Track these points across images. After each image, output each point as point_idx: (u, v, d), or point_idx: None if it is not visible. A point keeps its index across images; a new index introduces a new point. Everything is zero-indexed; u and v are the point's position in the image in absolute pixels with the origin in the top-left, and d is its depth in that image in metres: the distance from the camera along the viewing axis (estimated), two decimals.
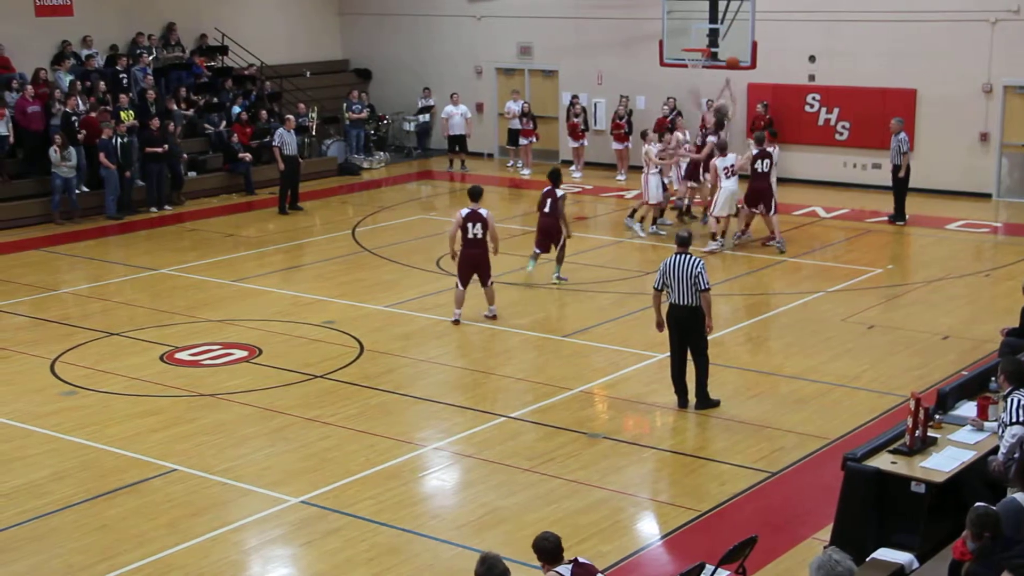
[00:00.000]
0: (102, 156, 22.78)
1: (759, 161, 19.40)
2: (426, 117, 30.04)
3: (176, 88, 26.20)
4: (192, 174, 25.08)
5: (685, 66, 22.65)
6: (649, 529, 10.43)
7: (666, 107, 25.38)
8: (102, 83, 24.86)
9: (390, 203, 24.66)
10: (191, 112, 26.10)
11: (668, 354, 12.90)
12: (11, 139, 23.04)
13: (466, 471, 11.59)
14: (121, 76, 25.62)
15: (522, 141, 27.76)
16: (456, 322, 15.72)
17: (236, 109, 26.68)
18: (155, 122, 23.76)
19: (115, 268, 19.51)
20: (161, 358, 14.75)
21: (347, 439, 12.12)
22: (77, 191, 22.85)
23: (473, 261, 15.59)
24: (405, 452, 11.88)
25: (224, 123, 26.31)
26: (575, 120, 27.08)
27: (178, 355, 14.88)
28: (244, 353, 14.90)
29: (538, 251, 17.71)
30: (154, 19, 27.57)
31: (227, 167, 25.72)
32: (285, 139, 23.35)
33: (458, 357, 15.04)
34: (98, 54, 26.13)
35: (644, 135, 21.28)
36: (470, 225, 15.48)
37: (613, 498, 10.77)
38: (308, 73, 30.47)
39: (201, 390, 13.63)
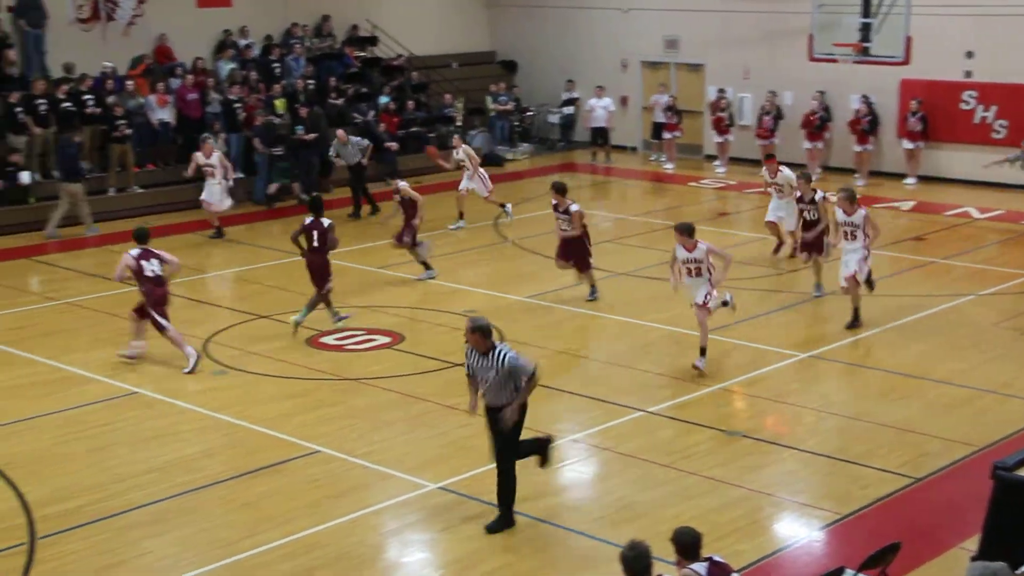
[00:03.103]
0: (255, 142, 23.44)
1: (807, 210, 16.73)
2: (570, 109, 30.07)
3: (327, 78, 26.75)
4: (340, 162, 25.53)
5: (835, 61, 22.23)
6: (788, 530, 10.29)
7: (815, 102, 24.92)
8: (255, 73, 25.55)
9: (533, 194, 24.75)
10: (341, 101, 26.61)
11: (806, 355, 12.66)
12: (173, 124, 23.87)
13: (603, 464, 11.60)
14: (275, 66, 26.30)
15: (666, 135, 27.58)
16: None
17: (384, 99, 27.11)
18: (304, 110, 24.32)
19: (265, 252, 20.01)
20: (307, 342, 15.10)
21: (484, 428, 12.21)
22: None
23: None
24: None
25: (372, 113, 26.75)
26: (720, 115, 26.80)
27: (323, 339, 15.22)
28: (387, 339, 15.17)
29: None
30: (309, 10, 28.19)
31: (373, 156, 26.13)
32: (339, 151, 22.81)
33: (596, 350, 15.04)
34: (254, 44, 26.86)
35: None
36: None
37: (751, 497, 10.66)
38: (455, 64, 30.78)
39: (345, 374, 13.92)
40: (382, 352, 14.71)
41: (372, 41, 29.02)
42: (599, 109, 27.97)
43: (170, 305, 14.50)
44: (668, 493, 10.72)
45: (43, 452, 11.80)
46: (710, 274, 13.57)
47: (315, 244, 15.21)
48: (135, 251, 14.35)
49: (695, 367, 13.59)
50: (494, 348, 9.91)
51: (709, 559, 7.21)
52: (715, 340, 14.17)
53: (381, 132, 26.03)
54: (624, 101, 29.27)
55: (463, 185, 21.85)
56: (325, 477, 11.16)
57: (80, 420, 12.63)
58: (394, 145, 25.97)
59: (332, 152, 23.15)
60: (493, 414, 10.04)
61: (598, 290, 16.76)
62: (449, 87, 29.13)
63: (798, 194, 16.83)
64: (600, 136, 28.18)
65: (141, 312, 14.35)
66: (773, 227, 18.83)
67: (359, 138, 23.18)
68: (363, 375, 13.86)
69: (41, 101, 22.31)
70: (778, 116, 25.89)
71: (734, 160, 26.99)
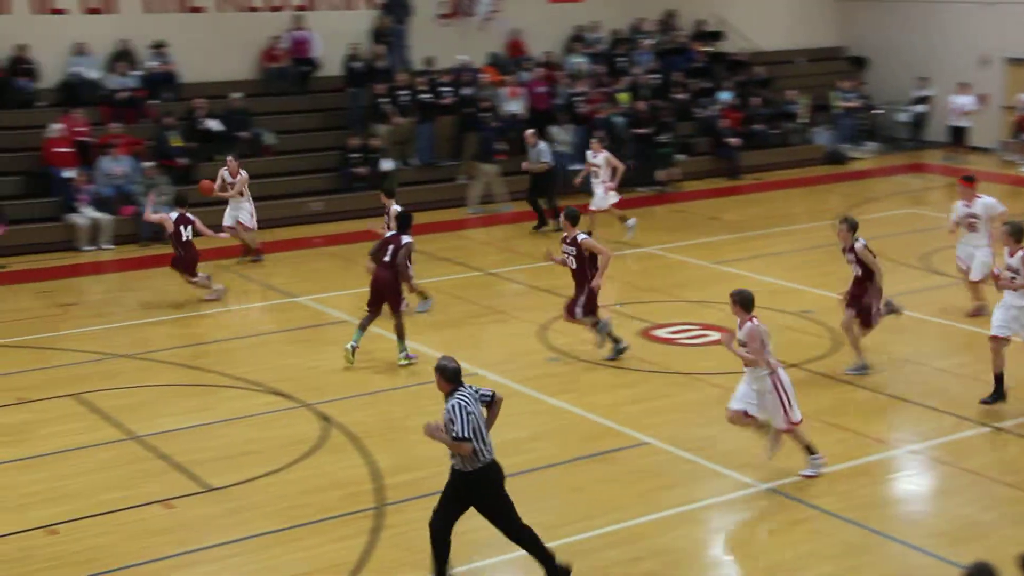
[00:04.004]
0: (596, 135, 23.84)
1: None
2: (922, 107, 28.78)
3: (671, 72, 26.87)
4: (682, 157, 25.60)
5: None
6: None
7: None
8: (600, 66, 26.03)
9: (877, 195, 23.93)
10: (685, 96, 26.65)
11: None
12: (524, 116, 24.70)
13: (942, 478, 11.10)
14: (620, 60, 26.68)
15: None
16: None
17: (726, 95, 26.94)
18: (641, 104, 24.55)
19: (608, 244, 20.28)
20: (640, 333, 15.26)
21: (817, 431, 11.95)
22: (570, 168, 24.05)
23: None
24: (877, 451, 11.56)
25: (714, 107, 26.64)
26: None
27: (656, 332, 15.33)
28: (720, 335, 15.08)
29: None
30: (656, 5, 28.42)
31: (715, 151, 26.08)
32: (529, 154, 21.70)
33: (939, 358, 14.38)
34: (602, 38, 27.36)
35: None
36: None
37: None
38: (801, 60, 30.15)
39: (676, 368, 13.97)
40: (714, 348, 14.64)
41: (718, 36, 28.87)
42: (961, 107, 26.66)
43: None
44: (1016, 514, 10.12)
45: (392, 424, 12.54)
46: None
47: (386, 259, 14.21)
48: (174, 214, 16.69)
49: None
50: (452, 393, 8.64)
51: None
52: None
53: (722, 127, 25.89)
54: (984, 99, 27.69)
55: (597, 201, 20.20)
56: (653, 468, 11.26)
57: (425, 396, 13.29)
58: (736, 141, 25.77)
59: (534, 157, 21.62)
60: (455, 477, 8.73)
61: (624, 341, 14.28)
62: (794, 83, 28.56)
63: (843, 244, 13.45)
64: (959, 135, 26.84)
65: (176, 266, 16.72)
66: None
67: (546, 144, 21.96)
68: (694, 369, 13.87)
69: (403, 92, 23.67)
70: None
71: None
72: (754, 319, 10.59)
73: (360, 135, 23.14)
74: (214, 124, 22.62)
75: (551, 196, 21.48)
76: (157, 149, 21.79)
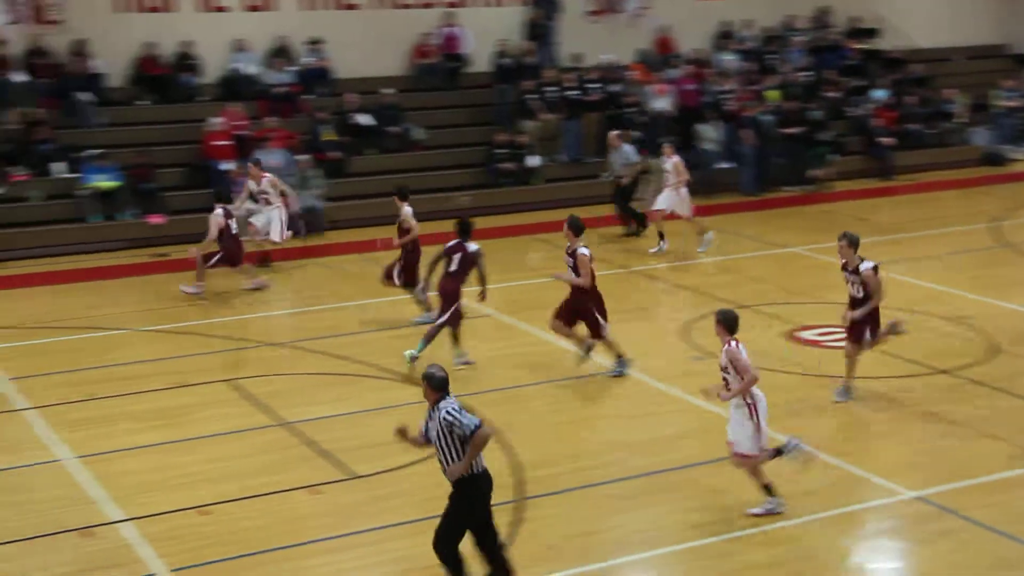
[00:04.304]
0: (744, 133, 23.60)
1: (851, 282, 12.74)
2: None
3: (824, 70, 26.38)
4: (835, 156, 25.08)
5: None
6: None
7: None
8: (750, 63, 25.71)
9: None
10: (837, 94, 26.13)
11: None
12: (671, 113, 24.56)
13: None
14: (770, 57, 26.30)
15: None
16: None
17: (880, 93, 26.32)
18: (792, 103, 24.15)
19: (747, 243, 20.12)
20: (785, 335, 15.03)
21: (969, 439, 11.65)
22: (716, 166, 23.85)
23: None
24: None
25: (867, 106, 26.05)
26: None
27: (802, 334, 15.09)
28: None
29: None
30: (808, 1, 27.93)
31: (867, 150, 25.51)
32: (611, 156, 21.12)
33: None
34: (751, 36, 27.02)
35: None
36: None
37: None
38: (962, 58, 29.26)
39: (822, 371, 13.72)
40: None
41: (873, 33, 28.22)
42: None
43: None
44: None
45: (536, 419, 12.62)
46: None
47: (452, 269, 13.88)
48: (220, 211, 16.92)
49: None
50: (439, 401, 8.41)
51: None
52: None
53: (875, 127, 25.30)
54: None
55: (662, 203, 19.49)
56: (797, 473, 11.08)
57: (567, 391, 13.38)
58: (889, 140, 25.16)
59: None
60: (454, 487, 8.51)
61: (627, 362, 13.72)
62: (952, 81, 27.72)
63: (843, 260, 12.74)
64: None
65: (212, 259, 16.95)
66: None
67: (632, 147, 21.26)
68: (839, 373, 13.59)
69: (551, 88, 23.76)
70: None
71: None
72: (732, 342, 10.01)
73: (507, 131, 23.31)
74: (365, 119, 23.06)
75: (628, 199, 20.75)
76: (310, 143, 22.32)
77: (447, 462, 8.45)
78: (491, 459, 11.30)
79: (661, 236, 19.47)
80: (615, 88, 24.18)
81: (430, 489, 10.73)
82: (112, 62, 22.42)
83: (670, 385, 13.40)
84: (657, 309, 16.45)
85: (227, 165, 21.29)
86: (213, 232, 17.04)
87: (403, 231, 15.53)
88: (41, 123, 20.96)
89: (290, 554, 9.69)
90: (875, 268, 12.40)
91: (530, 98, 23.70)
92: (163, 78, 22.65)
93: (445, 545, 8.54)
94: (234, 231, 17.31)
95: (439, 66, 24.75)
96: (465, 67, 25.00)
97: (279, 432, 12.25)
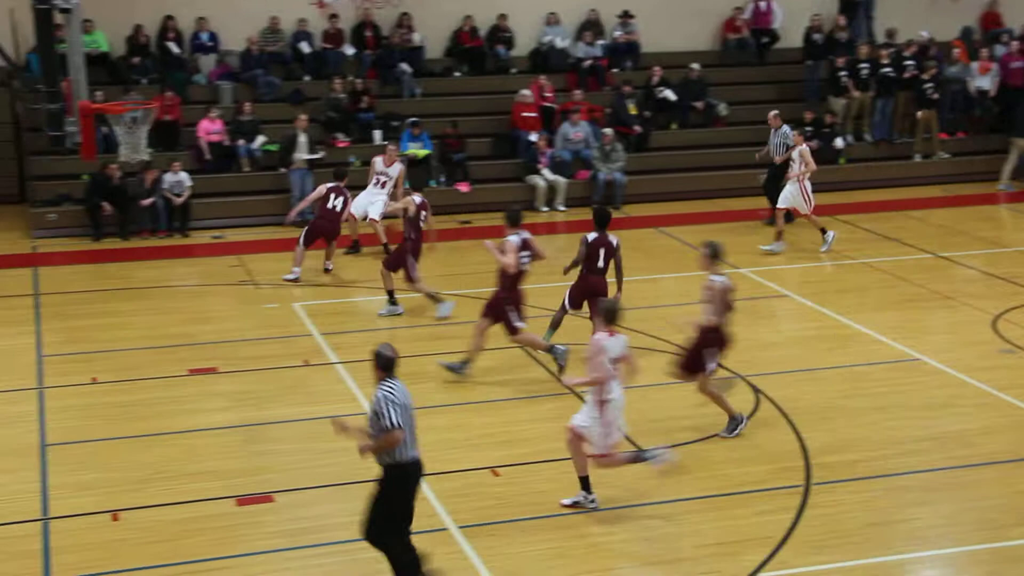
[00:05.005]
0: None
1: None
2: None
3: None
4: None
5: None
6: None
7: None
8: None
9: None
10: None
11: None
12: (992, 93, 23.30)
13: None
14: None
15: None
16: None
17: None
18: None
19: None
20: None
21: None
22: None
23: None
24: None
25: None
26: None
27: None
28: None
29: None
30: None
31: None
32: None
33: None
34: None
35: None
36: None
37: None
38: None
39: None
40: None
41: None
42: None
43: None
44: None
45: (827, 403, 12.31)
46: None
47: (600, 265, 13.09)
48: (330, 184, 16.99)
49: None
50: (381, 381, 8.21)
51: None
52: None
53: None
54: None
55: (786, 198, 18.11)
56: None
57: (864, 377, 12.99)
58: None
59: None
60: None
61: (565, 352, 12.86)
62: None
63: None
64: None
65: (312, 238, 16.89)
66: None
67: (789, 127, 19.30)
68: None
69: (863, 65, 22.97)
70: None
71: None
72: (602, 333, 9.68)
73: (815, 109, 22.70)
74: (669, 93, 23.02)
75: (779, 184, 18.81)
76: (614, 116, 22.50)
77: (368, 438, 8.36)
78: (779, 441, 11.19)
79: (823, 231, 18.10)
80: (929, 64, 23.07)
81: (713, 467, 10.71)
82: (431, 35, 23.34)
83: (974, 378, 12.78)
84: (963, 298, 15.65)
85: (533, 136, 21.77)
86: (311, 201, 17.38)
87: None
88: (364, 93, 22.11)
89: (573, 520, 9.86)
90: (725, 282, 11.03)
91: (841, 75, 22.98)
92: (477, 50, 23.40)
93: (376, 533, 8.36)
94: (332, 207, 16.97)
95: (748, 41, 24.38)
96: (775, 43, 24.52)
97: (570, 400, 12.44)
